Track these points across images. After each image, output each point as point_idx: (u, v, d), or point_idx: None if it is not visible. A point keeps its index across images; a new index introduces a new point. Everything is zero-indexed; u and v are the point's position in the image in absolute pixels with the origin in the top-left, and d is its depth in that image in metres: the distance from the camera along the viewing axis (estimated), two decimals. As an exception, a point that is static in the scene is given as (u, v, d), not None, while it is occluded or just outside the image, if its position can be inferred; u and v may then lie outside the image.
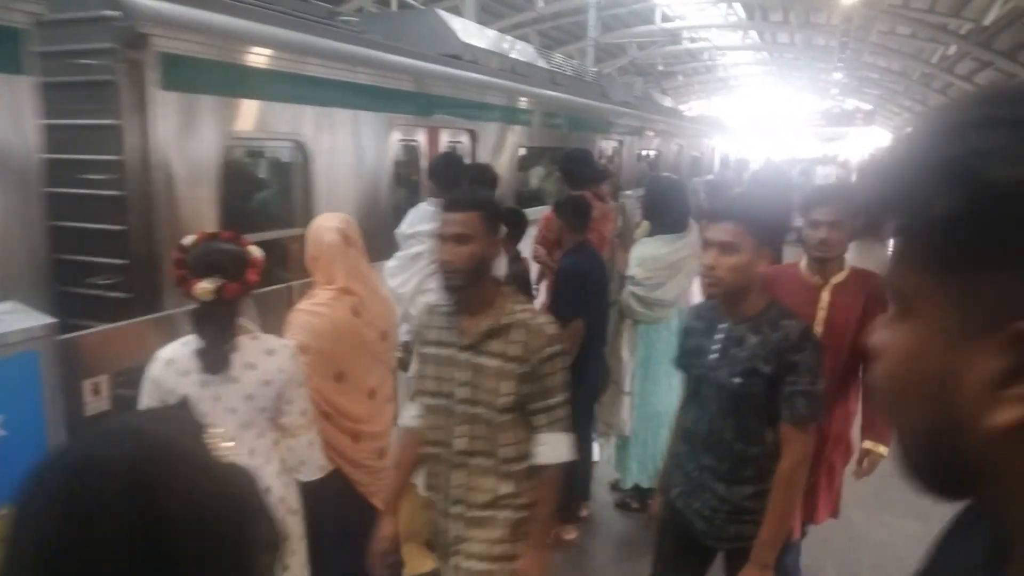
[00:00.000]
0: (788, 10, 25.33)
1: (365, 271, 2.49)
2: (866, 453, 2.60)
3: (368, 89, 3.98)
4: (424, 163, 4.64)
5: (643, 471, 3.84)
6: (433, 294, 2.86)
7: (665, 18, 26.62)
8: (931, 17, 20.31)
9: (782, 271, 2.72)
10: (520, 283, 3.50)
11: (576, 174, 4.39)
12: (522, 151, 6.17)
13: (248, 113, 3.24)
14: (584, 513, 3.91)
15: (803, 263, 2.63)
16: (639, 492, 3.95)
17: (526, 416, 1.94)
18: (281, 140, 3.58)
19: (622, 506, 4.07)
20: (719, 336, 2.08)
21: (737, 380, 1.99)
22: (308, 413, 2.19)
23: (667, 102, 14.24)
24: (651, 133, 9.82)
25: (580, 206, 3.67)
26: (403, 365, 3.07)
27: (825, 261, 2.54)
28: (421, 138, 4.71)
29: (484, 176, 3.56)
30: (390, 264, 3.01)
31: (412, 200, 4.09)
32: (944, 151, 0.45)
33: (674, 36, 29.73)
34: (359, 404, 2.51)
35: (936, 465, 0.51)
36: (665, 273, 3.67)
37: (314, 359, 2.34)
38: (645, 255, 3.75)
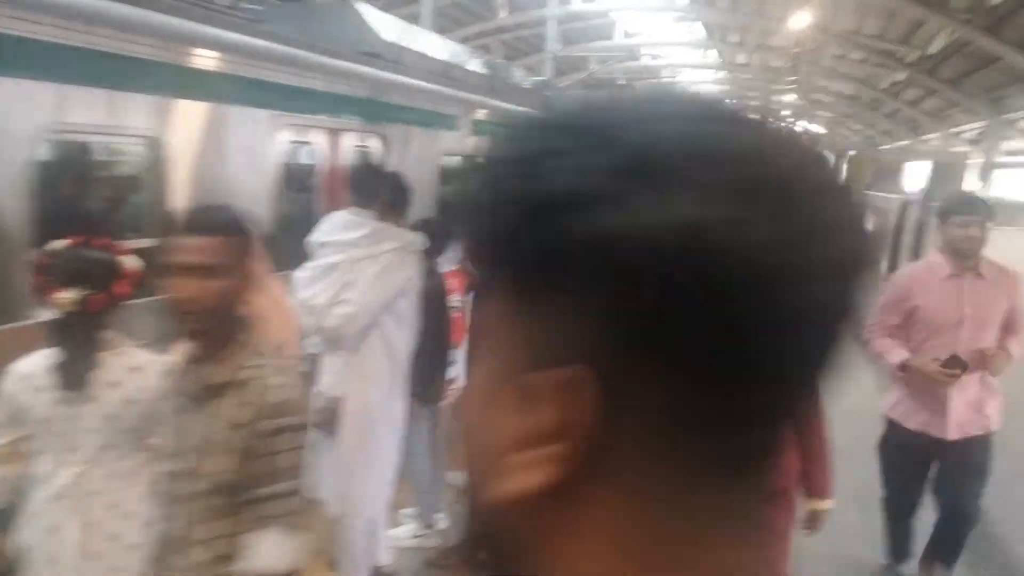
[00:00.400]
0: (746, 31, 25.79)
1: (264, 281, 2.26)
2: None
3: (249, 83, 3.66)
4: (323, 167, 4.37)
5: None
6: (351, 306, 2.68)
7: (626, 34, 26.90)
8: (881, 44, 20.80)
9: None
10: (435, 301, 3.31)
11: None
12: (447, 159, 5.96)
13: (83, 102, 2.89)
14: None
15: None
16: None
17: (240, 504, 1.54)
18: (127, 135, 3.21)
19: None
20: None
21: None
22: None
23: None
24: None
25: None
26: (308, 379, 2.85)
27: None
28: (318, 140, 4.42)
29: (396, 186, 3.32)
30: (301, 275, 2.81)
31: (306, 207, 3.83)
32: (507, 184, 0.39)
33: (633, 52, 30.06)
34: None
35: (477, 533, 0.45)
36: None
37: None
38: None
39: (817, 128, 36.76)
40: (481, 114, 6.24)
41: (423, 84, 5.40)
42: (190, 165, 3.40)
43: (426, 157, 5.36)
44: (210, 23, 3.53)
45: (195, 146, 3.38)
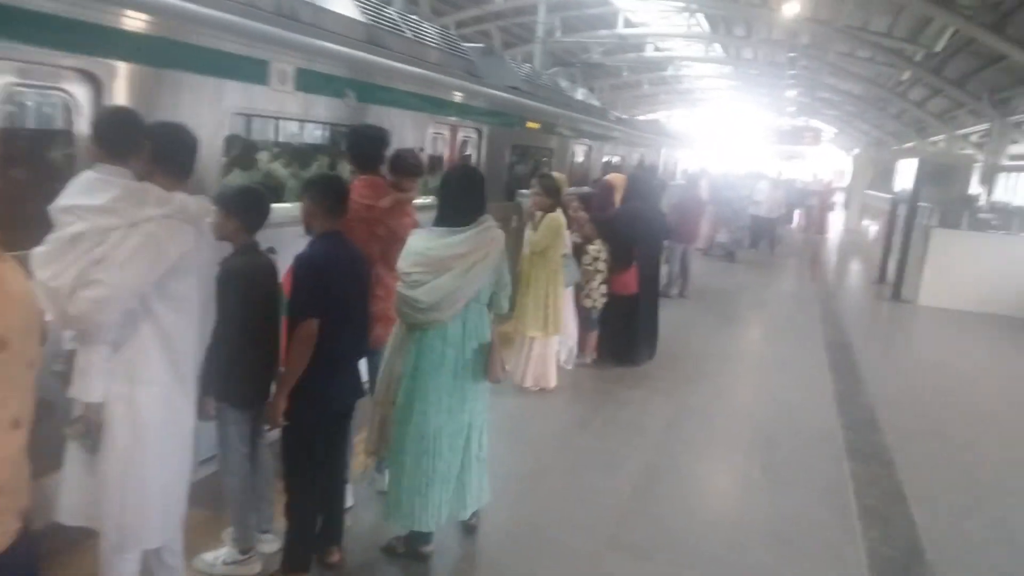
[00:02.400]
0: (751, 24, 25.07)
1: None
2: None
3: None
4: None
5: (408, 509, 3.18)
6: (103, 287, 2.18)
7: (627, 23, 26.24)
8: (888, 41, 20.10)
9: None
10: (239, 282, 2.85)
11: (364, 155, 3.72)
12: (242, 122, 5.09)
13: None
14: (335, 559, 3.25)
15: None
16: (414, 536, 3.36)
17: None
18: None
19: (387, 551, 3.42)
20: None
21: None
22: None
23: (588, 97, 13.24)
24: (538, 126, 8.72)
25: (333, 187, 3.03)
26: (63, 380, 2.37)
27: None
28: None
29: (165, 139, 2.55)
30: (39, 250, 2.28)
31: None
32: None
33: (637, 44, 29.38)
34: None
35: None
36: (428, 272, 3.05)
37: None
38: (410, 248, 3.16)
39: (820, 125, 35.98)
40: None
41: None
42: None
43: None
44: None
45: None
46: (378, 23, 5.44)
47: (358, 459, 3.91)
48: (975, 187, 16.24)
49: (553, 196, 5.56)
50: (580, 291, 6.50)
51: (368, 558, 3.38)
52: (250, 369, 2.92)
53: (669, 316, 8.77)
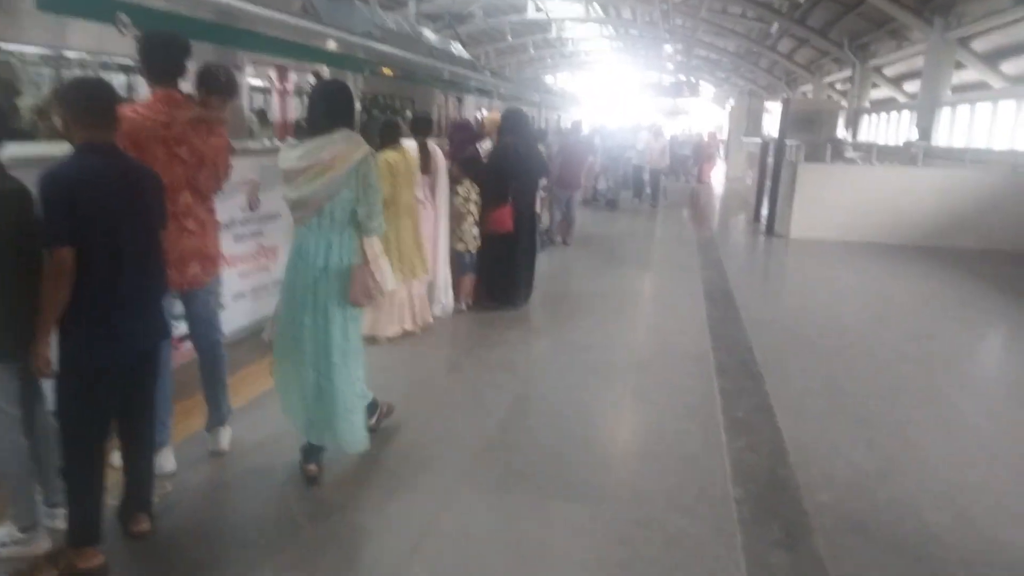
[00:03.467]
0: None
1: None
2: None
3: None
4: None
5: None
6: None
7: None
8: (755, -7, 20.71)
9: None
10: (10, 205, 2.35)
11: (156, 65, 3.20)
12: None
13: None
14: (141, 527, 2.80)
15: None
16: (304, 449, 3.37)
17: None
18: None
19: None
20: None
21: None
22: None
23: (455, 49, 12.79)
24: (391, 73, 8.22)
25: (89, 90, 2.54)
26: None
27: None
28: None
29: None
30: None
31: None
32: None
33: (518, 5, 29.05)
34: None
35: None
36: (292, 175, 3.12)
37: None
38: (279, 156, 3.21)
39: (705, 83, 37.09)
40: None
41: None
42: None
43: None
44: None
45: None
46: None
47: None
48: (841, 131, 17.06)
49: (387, 136, 5.15)
50: (452, 234, 6.17)
51: (189, 526, 2.95)
52: (4, 315, 2.41)
53: (551, 262, 8.59)
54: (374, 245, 3.70)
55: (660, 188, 15.36)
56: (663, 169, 15.42)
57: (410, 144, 5.48)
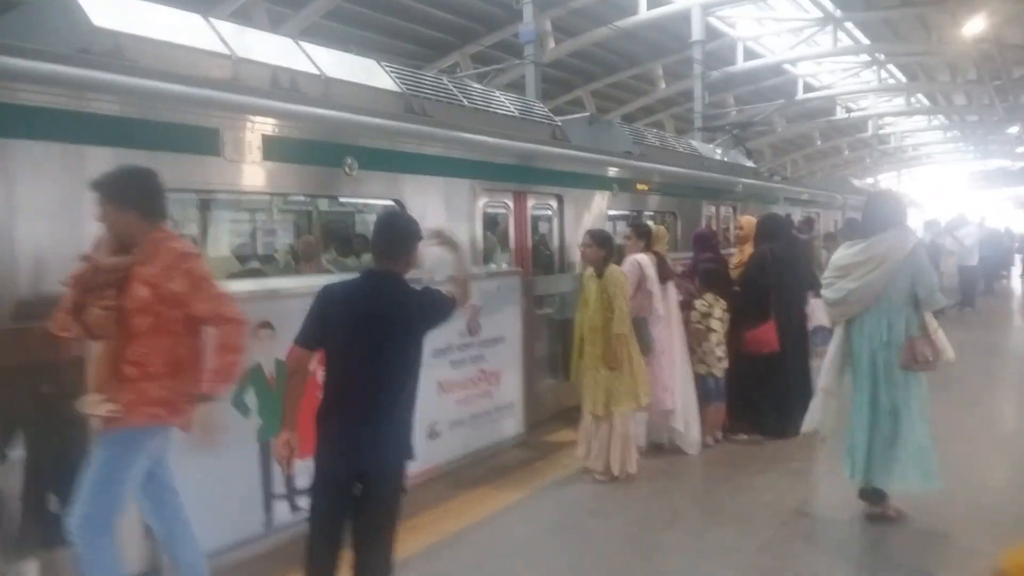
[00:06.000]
0: (955, 69, 22.20)
1: None
2: None
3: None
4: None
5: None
6: None
7: (807, 88, 24.53)
8: None
9: None
10: None
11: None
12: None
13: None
14: None
15: None
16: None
17: None
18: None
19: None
20: None
21: None
22: None
23: (737, 159, 12.17)
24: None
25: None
26: None
27: None
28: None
29: None
30: None
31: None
32: None
33: (825, 109, 27.38)
34: None
35: None
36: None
37: None
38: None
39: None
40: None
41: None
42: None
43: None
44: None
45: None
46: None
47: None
48: None
49: (606, 247, 4.75)
50: (692, 356, 5.44)
51: None
52: None
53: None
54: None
55: (976, 289, 12.62)
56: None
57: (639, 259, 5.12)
